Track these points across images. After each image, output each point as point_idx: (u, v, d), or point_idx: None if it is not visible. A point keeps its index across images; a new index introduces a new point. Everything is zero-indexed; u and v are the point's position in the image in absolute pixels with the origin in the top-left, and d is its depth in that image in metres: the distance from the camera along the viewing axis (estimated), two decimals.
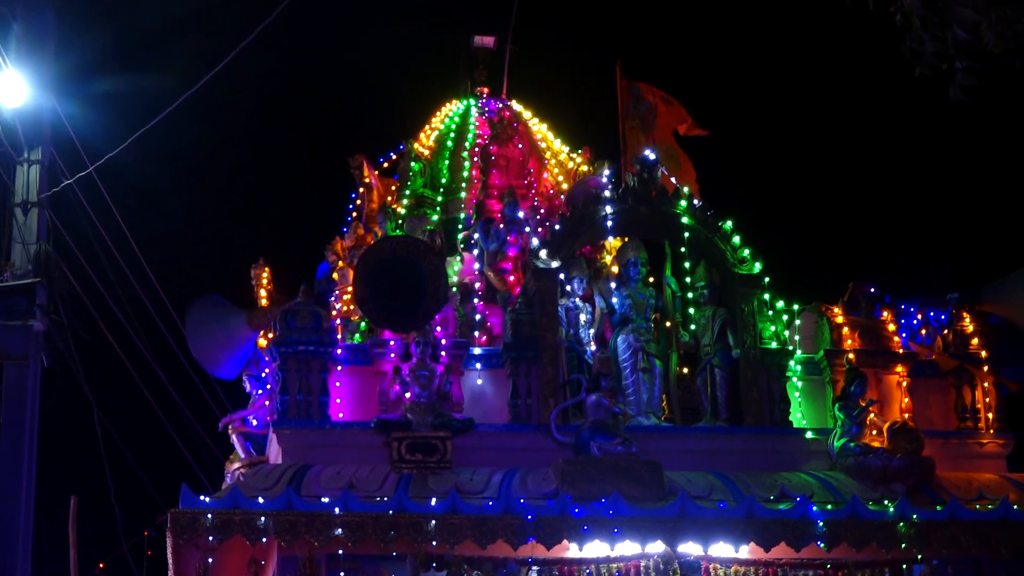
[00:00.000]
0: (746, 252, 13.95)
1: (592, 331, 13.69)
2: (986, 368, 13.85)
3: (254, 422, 14.11)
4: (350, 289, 13.43)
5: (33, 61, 12.10)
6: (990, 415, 13.76)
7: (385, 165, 16.45)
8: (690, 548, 12.24)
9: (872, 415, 13.29)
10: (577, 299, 13.82)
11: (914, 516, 12.18)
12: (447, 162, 16.36)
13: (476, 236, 14.71)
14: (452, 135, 16.73)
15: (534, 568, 12.41)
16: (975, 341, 13.92)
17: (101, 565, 16.61)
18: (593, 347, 13.59)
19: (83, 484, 17.49)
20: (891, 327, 13.95)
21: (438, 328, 13.16)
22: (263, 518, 11.52)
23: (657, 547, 12.17)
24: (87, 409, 12.64)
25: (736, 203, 14.44)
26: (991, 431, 13.73)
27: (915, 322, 14.02)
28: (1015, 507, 12.41)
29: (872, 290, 14.01)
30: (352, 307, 13.41)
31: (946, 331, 13.99)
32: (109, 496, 15.73)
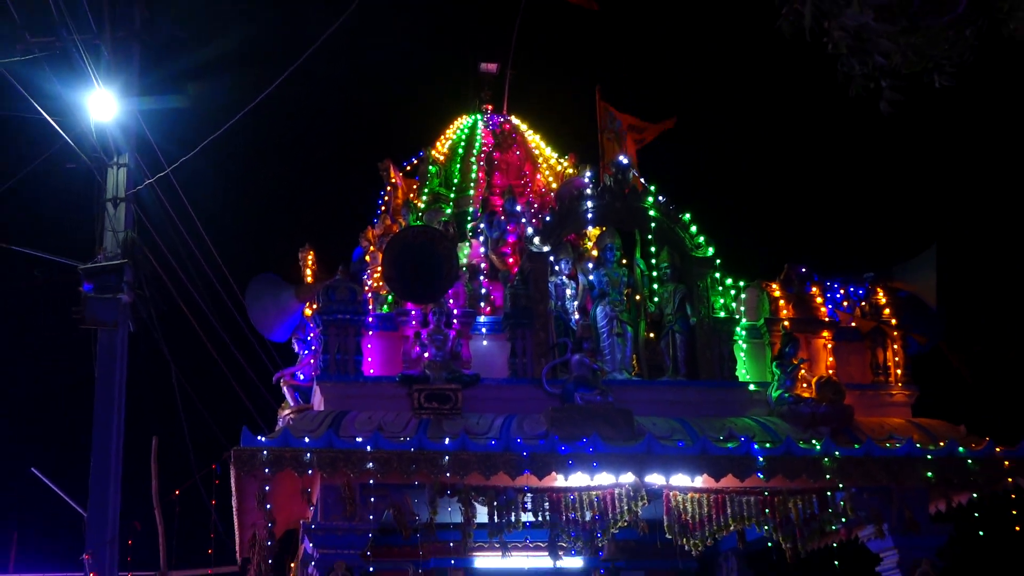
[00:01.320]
0: (701, 239, 13.90)
1: (576, 303, 13.60)
2: (895, 333, 13.75)
3: (301, 376, 13.97)
4: (379, 269, 13.26)
5: (120, 80, 11.84)
6: (898, 371, 13.70)
7: (408, 168, 16.37)
8: (655, 479, 12.16)
9: (803, 371, 13.22)
10: (564, 277, 13.72)
11: (836, 453, 12.04)
12: (458, 166, 16.31)
13: (482, 226, 14.63)
14: (462, 144, 16.67)
15: (528, 495, 12.35)
16: (887, 311, 13.87)
17: (176, 492, 16.37)
18: (577, 316, 13.51)
19: (162, 427, 17.38)
20: (818, 300, 13.91)
21: (451, 300, 13.08)
22: (308, 454, 11.40)
23: (628, 478, 12.06)
24: (165, 366, 12.50)
25: (693, 197, 14.26)
26: (899, 384, 13.68)
27: (838, 296, 13.96)
28: (918, 445, 12.31)
29: (803, 270, 13.97)
30: (381, 283, 13.26)
31: (863, 303, 13.96)
32: (183, 437, 15.76)
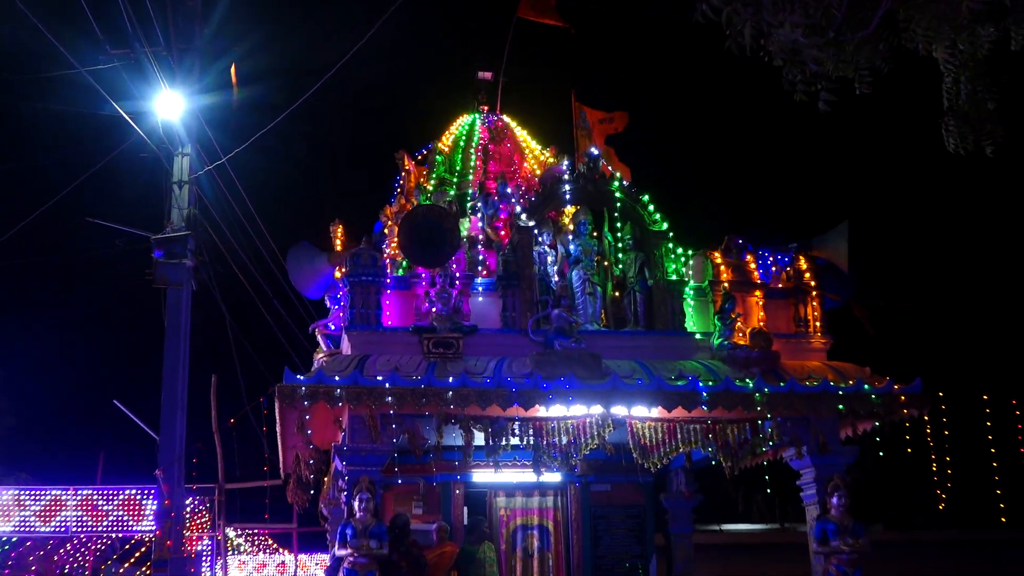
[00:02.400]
0: (657, 215, 13.90)
1: (555, 268, 13.61)
2: (814, 292, 13.83)
3: (332, 327, 14.01)
4: (396, 240, 13.31)
5: (183, 84, 11.78)
6: (816, 324, 13.76)
7: (419, 158, 16.34)
8: (619, 410, 12.22)
9: (739, 324, 13.26)
10: (546, 247, 13.75)
11: (766, 389, 12.15)
12: (460, 155, 16.28)
13: (479, 205, 14.66)
14: (463, 138, 16.64)
15: (516, 423, 12.42)
16: (807, 275, 13.92)
17: (231, 420, 16.45)
18: (556, 278, 13.52)
19: (219, 367, 17.44)
20: (752, 266, 13.93)
21: (454, 265, 13.10)
22: (338, 390, 11.49)
23: (597, 409, 12.13)
24: (221, 318, 12.56)
25: (652, 181, 14.25)
26: (816, 334, 13.73)
27: (768, 262, 14.02)
28: (831, 383, 12.40)
29: (740, 241, 14.02)
30: (397, 251, 13.30)
31: (788, 268, 14.00)
32: (236, 376, 15.80)
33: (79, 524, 14.35)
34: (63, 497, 14.07)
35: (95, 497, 14.17)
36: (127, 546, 18.46)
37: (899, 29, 4.65)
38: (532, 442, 12.54)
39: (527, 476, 14.73)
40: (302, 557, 21.01)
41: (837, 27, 4.59)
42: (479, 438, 12.46)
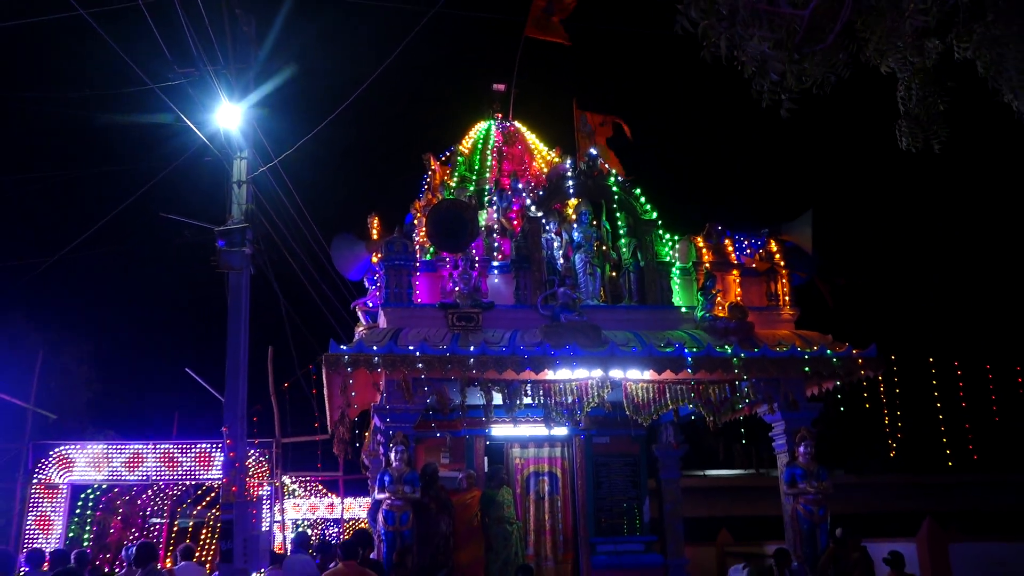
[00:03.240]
0: (648, 206, 13.85)
1: (561, 252, 13.55)
2: (783, 271, 13.77)
3: (370, 304, 14.04)
4: (424, 229, 13.24)
5: (240, 94, 11.74)
6: (786, 298, 13.70)
7: (443, 159, 16.27)
8: (616, 373, 12.22)
9: (718, 299, 13.20)
10: (552, 234, 13.66)
11: (742, 355, 12.07)
12: (478, 156, 16.23)
13: (495, 198, 14.59)
14: (481, 141, 16.59)
15: (529, 385, 12.41)
16: (777, 256, 13.86)
17: (286, 384, 16.53)
18: (561, 261, 13.46)
19: (275, 340, 17.57)
20: (730, 248, 13.87)
21: (473, 251, 13.04)
22: (376, 358, 11.44)
23: (597, 373, 12.14)
24: (275, 298, 12.58)
25: (643, 175, 14.13)
26: (786, 307, 13.68)
27: (743, 245, 13.95)
28: (798, 349, 12.33)
29: (719, 228, 13.96)
30: (425, 239, 13.23)
31: (761, 250, 13.91)
32: (289, 347, 15.88)
33: (158, 473, 14.43)
34: (144, 450, 14.15)
35: (172, 450, 14.25)
36: (199, 492, 18.61)
37: (857, 40, 4.61)
38: (542, 401, 12.55)
39: (538, 430, 14.74)
40: (347, 500, 21.14)
41: (799, 40, 4.54)
42: (497, 398, 12.49)
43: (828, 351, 12.38)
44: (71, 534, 14.16)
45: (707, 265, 13.54)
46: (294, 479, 20.55)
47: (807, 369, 12.28)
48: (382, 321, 13.07)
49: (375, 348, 11.59)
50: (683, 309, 13.38)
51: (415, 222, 14.08)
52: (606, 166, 14.14)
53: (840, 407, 13.80)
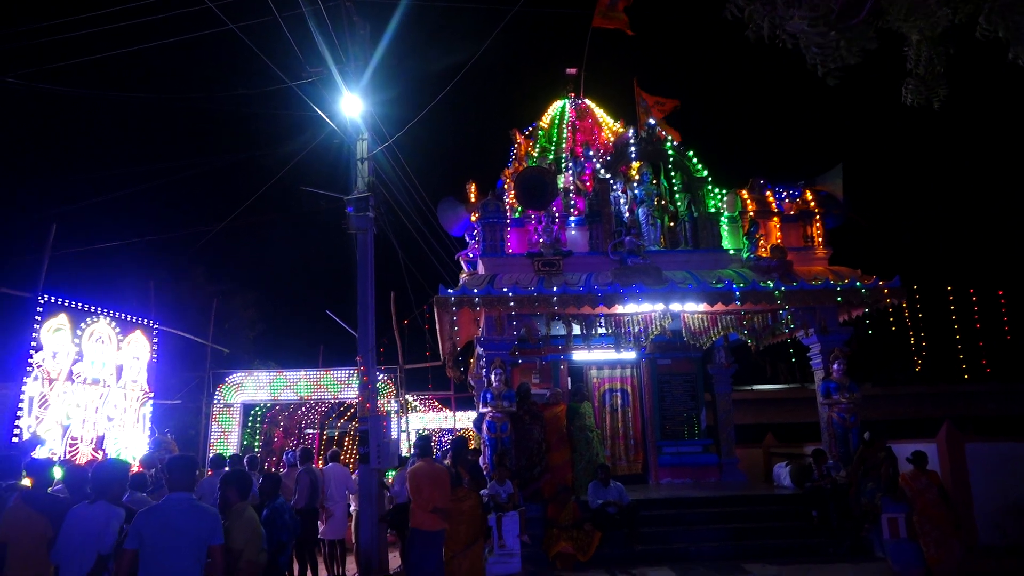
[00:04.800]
0: (699, 166, 13.55)
1: (627, 207, 13.32)
2: (817, 217, 13.27)
3: (470, 255, 14.12)
4: (512, 192, 13.18)
5: (358, 86, 11.79)
6: (820, 239, 13.27)
7: (526, 133, 16.11)
8: (675, 307, 12.14)
9: (762, 242, 12.84)
10: (619, 192, 13.47)
11: (782, 288, 11.83)
12: (555, 130, 16.04)
13: (570, 164, 14.40)
14: (557, 116, 16.39)
15: (602, 318, 12.38)
16: (812, 204, 13.33)
17: (406, 321, 16.81)
18: (628, 214, 13.23)
19: (396, 286, 17.89)
20: (771, 198, 13.44)
21: (554, 208, 12.98)
22: (476, 299, 11.60)
23: (659, 307, 12.06)
24: (394, 252, 12.71)
25: (694, 139, 13.79)
26: (820, 247, 13.26)
27: (782, 195, 13.46)
28: (831, 282, 12.00)
29: (761, 181, 13.52)
30: (514, 200, 13.18)
31: (798, 199, 13.38)
32: (407, 291, 16.10)
33: (309, 394, 14.92)
34: (298, 376, 14.64)
35: (318, 375, 14.71)
36: (341, 408, 19.25)
37: (883, 14, 4.37)
38: (614, 331, 12.52)
39: (611, 355, 14.77)
40: (458, 413, 21.57)
41: (834, 17, 4.33)
42: (576, 329, 12.50)
43: (858, 283, 11.99)
44: (244, 442, 14.83)
45: (751, 213, 13.18)
46: (415, 397, 21.06)
47: (839, 299, 11.92)
48: (480, 268, 13.17)
49: (476, 291, 11.71)
50: (731, 251, 13.10)
51: (505, 186, 14.06)
52: (663, 133, 13.83)
53: (869, 330, 13.31)
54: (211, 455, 9.45)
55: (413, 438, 16.53)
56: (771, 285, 11.86)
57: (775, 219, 13.26)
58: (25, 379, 10.46)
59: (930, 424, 14.53)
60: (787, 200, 13.39)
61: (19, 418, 10.27)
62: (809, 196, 13.35)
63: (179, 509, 4.03)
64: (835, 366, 12.01)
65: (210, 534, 4.05)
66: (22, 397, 10.37)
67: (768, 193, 13.42)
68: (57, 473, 10.16)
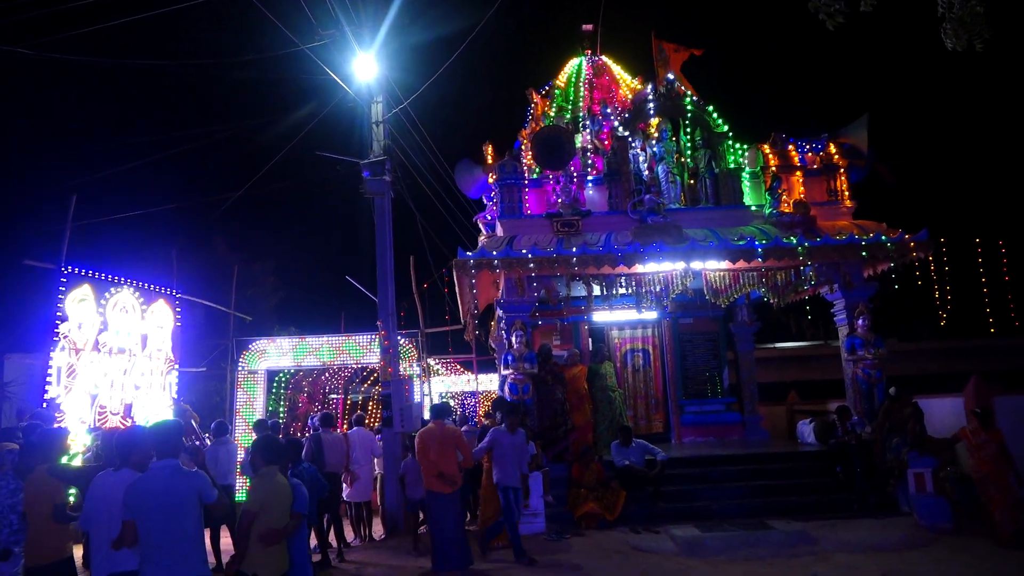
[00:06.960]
0: (719, 120, 13.28)
1: (645, 165, 13.14)
2: (841, 170, 12.99)
3: (489, 217, 14.02)
4: (530, 152, 13.02)
5: (372, 47, 11.65)
6: (844, 193, 12.98)
7: (543, 92, 15.89)
8: (696, 265, 11.97)
9: (784, 197, 12.60)
10: (638, 150, 13.27)
11: (805, 244, 11.70)
12: (572, 88, 15.80)
13: (588, 123, 14.25)
14: (574, 75, 16.12)
15: (623, 278, 12.31)
16: (836, 157, 13.07)
17: (425, 285, 16.82)
18: (647, 173, 13.04)
19: (414, 250, 17.89)
20: (793, 152, 13.14)
21: (572, 168, 12.81)
22: (496, 261, 11.55)
23: (680, 265, 11.92)
24: (413, 215, 12.67)
25: (714, 94, 13.44)
26: (845, 201, 12.98)
27: (805, 149, 13.19)
28: (856, 236, 11.86)
29: (783, 135, 13.25)
30: (531, 161, 13.04)
31: (822, 153, 13.12)
32: (426, 255, 16.09)
33: (332, 359, 15.02)
34: (320, 342, 14.73)
35: (340, 341, 14.79)
36: (364, 372, 19.39)
37: None
38: (635, 290, 12.42)
39: (632, 315, 14.69)
40: (480, 376, 21.67)
41: None
42: (596, 289, 12.44)
43: (883, 237, 11.79)
44: (269, 408, 15.00)
45: (773, 168, 12.95)
46: (437, 361, 21.16)
47: (864, 254, 11.74)
48: (499, 230, 13.10)
49: (495, 253, 11.65)
50: (753, 208, 12.89)
51: (522, 147, 13.91)
52: (682, 88, 13.55)
53: (894, 285, 13.11)
54: (213, 425, 9.51)
55: (436, 401, 16.64)
56: (794, 241, 11.69)
57: (798, 173, 13.02)
58: (52, 350, 10.60)
59: (955, 379, 14.37)
60: (810, 154, 13.12)
61: (48, 388, 10.43)
62: (833, 149, 13.07)
63: (161, 476, 4.17)
64: (860, 321, 11.86)
65: (201, 494, 4.18)
66: (50, 367, 10.52)
67: (791, 147, 13.15)
68: (87, 440, 10.35)
